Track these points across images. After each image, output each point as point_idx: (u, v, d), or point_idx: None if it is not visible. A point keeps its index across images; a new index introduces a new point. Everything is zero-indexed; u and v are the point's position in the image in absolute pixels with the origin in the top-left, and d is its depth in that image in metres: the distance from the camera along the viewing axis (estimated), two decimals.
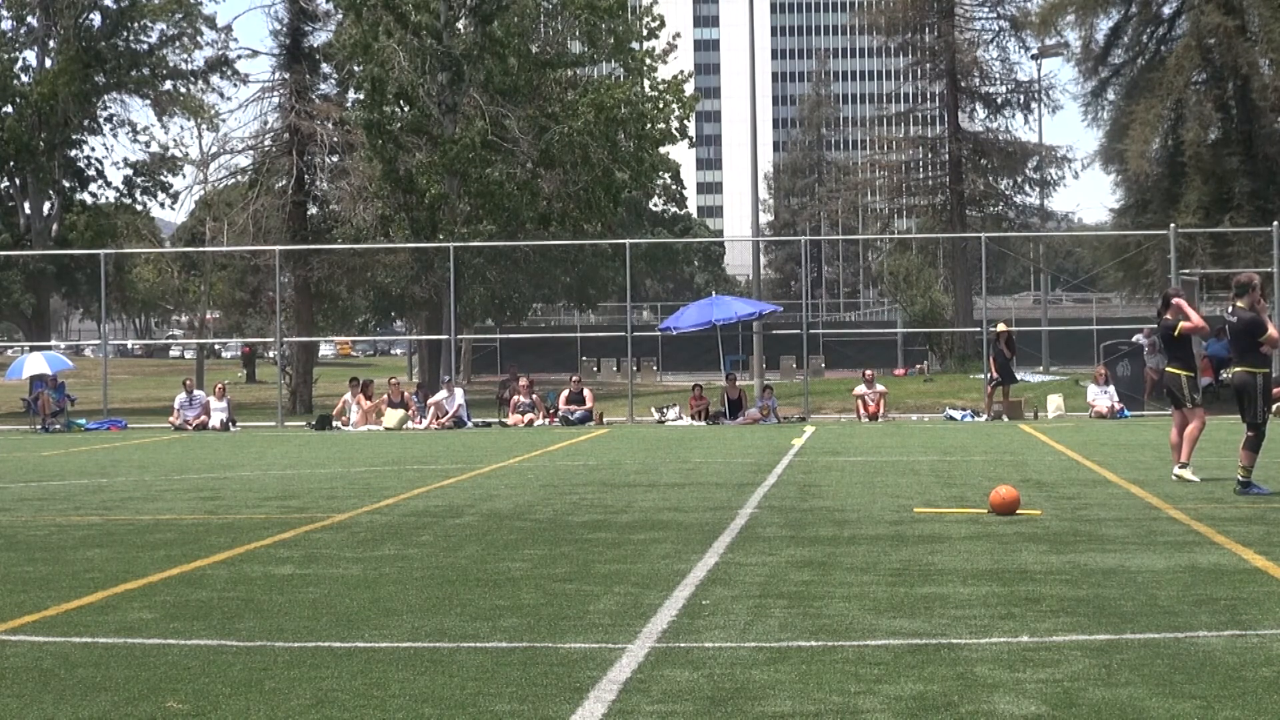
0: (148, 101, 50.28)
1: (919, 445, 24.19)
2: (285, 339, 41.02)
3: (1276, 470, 16.84)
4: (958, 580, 9.65)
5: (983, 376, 36.52)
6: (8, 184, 49.72)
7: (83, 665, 7.42)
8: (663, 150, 54.56)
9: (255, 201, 43.71)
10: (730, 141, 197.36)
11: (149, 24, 49.37)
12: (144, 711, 6.45)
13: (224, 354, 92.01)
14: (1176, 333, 16.06)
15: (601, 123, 43.34)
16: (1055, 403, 33.97)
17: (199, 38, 49.84)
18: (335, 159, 44.73)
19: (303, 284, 44.63)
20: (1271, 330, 15.12)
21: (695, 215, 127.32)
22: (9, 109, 47.90)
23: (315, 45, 46.44)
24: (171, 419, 34.33)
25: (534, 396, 34.61)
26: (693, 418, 33.51)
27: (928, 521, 13.01)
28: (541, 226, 44.45)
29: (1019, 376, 42.20)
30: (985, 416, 32.48)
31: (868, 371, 36.34)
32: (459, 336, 43.82)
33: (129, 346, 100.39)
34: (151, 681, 7.01)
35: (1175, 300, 16.40)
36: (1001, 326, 34.00)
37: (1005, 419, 32.05)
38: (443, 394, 33.86)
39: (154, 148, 51.57)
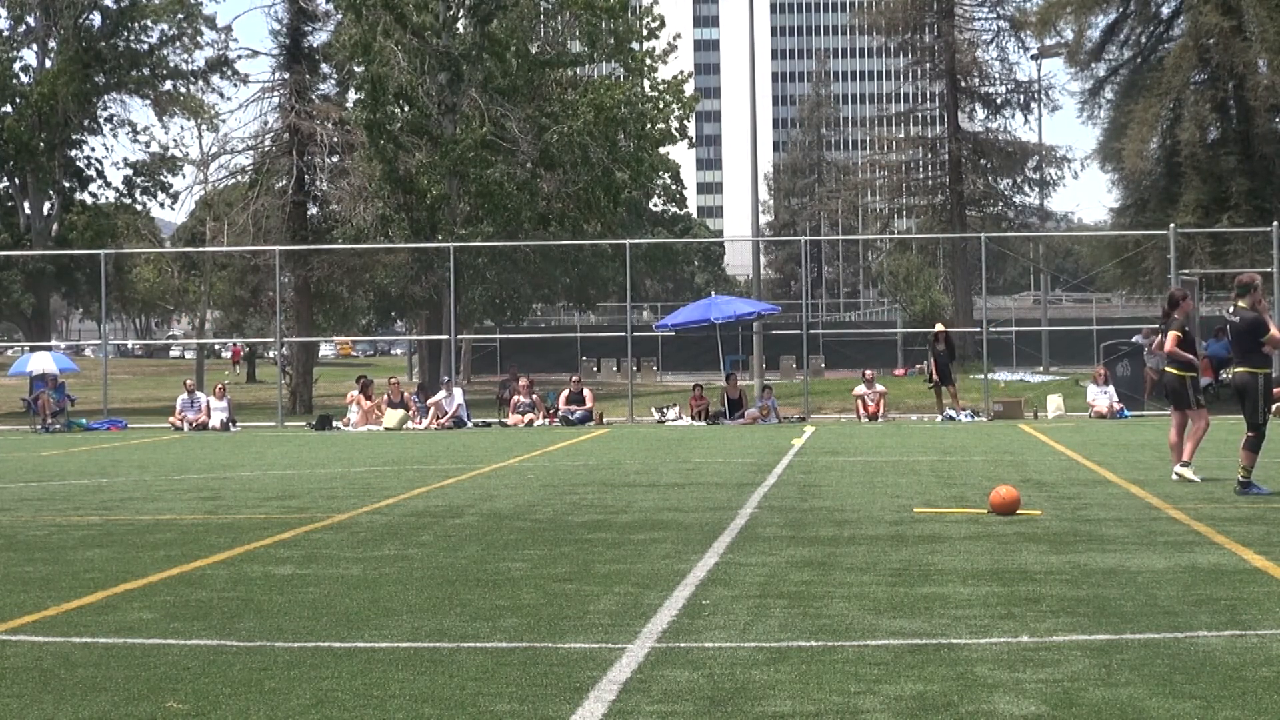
0: (148, 101, 50.24)
1: (919, 445, 24.19)
2: (285, 339, 41.02)
3: (1276, 470, 16.84)
4: (958, 580, 9.65)
5: (981, 377, 36.65)
6: (8, 184, 49.67)
7: (83, 665, 7.41)
8: (662, 150, 54.67)
9: (255, 201, 43.71)
10: (730, 141, 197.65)
11: (149, 24, 49.33)
12: (144, 711, 6.45)
13: (223, 354, 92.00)
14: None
15: (601, 123, 43.36)
16: (1055, 403, 33.99)
17: (199, 38, 49.82)
18: (335, 159, 44.71)
19: (303, 284, 44.62)
20: (1274, 331, 15.08)
21: (695, 215, 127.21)
22: (9, 109, 47.86)
23: (315, 45, 46.45)
24: (172, 419, 34.34)
25: (534, 396, 34.60)
26: (693, 418, 33.50)
27: (928, 521, 13.01)
28: (541, 227, 44.45)
29: (1021, 376, 42.22)
30: (940, 416, 32.57)
31: (868, 371, 36.39)
32: (459, 337, 43.80)
33: (129, 346, 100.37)
34: (151, 681, 7.01)
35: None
36: (939, 327, 35.11)
37: (963, 418, 32.08)
38: (442, 394, 33.86)
39: (154, 148, 51.58)
